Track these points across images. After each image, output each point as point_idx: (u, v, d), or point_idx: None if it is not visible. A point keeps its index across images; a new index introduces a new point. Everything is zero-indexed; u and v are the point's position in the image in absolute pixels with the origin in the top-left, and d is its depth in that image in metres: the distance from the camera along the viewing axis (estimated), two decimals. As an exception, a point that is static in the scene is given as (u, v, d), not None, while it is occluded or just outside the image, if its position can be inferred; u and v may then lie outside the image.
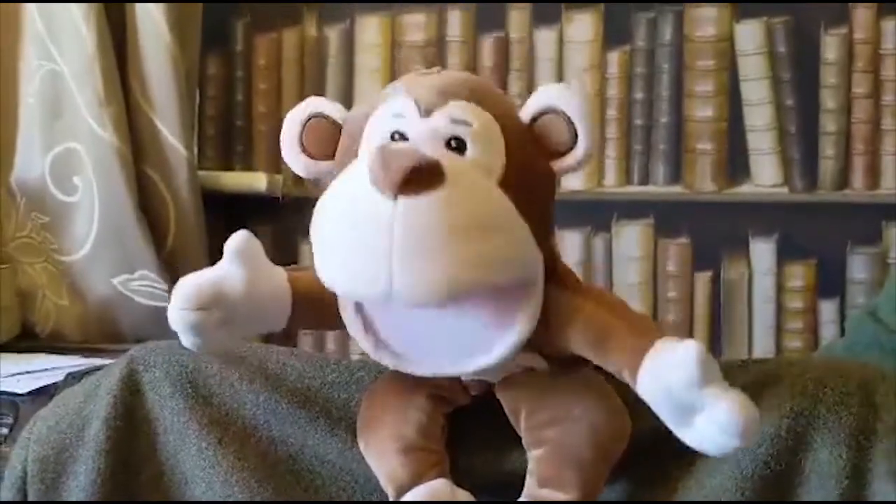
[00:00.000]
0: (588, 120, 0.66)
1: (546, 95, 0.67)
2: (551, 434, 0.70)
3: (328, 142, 0.70)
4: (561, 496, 0.69)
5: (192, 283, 0.68)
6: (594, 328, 0.67)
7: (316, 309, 0.70)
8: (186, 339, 0.68)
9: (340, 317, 0.71)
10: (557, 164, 0.67)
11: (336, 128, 0.70)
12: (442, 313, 0.67)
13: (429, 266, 0.61)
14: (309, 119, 0.71)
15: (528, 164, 0.66)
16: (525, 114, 0.67)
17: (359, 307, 0.70)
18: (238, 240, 0.68)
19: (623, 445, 0.72)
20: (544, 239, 0.67)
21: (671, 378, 0.62)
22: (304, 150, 0.71)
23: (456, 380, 0.73)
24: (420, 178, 0.61)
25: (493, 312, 0.66)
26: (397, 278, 0.61)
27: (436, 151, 0.64)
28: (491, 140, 0.66)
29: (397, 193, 0.61)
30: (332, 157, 0.71)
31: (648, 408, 0.72)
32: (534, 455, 0.71)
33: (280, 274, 0.70)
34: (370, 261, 0.62)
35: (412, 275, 0.61)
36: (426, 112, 0.66)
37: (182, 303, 0.67)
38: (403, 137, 0.66)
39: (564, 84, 0.68)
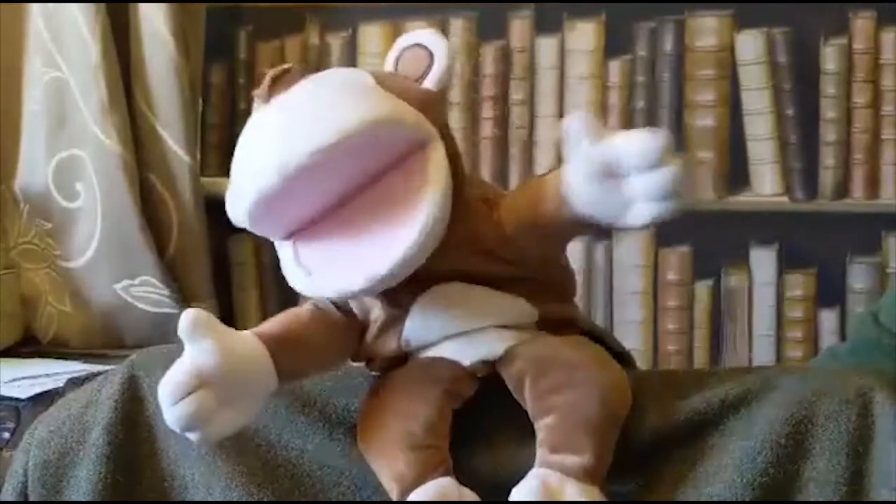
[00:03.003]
0: (437, 37, 0.73)
1: (399, 42, 0.74)
2: (558, 400, 0.70)
3: None
4: (576, 459, 0.69)
5: (169, 376, 0.67)
6: (527, 192, 0.72)
7: (294, 347, 0.71)
8: (193, 436, 0.68)
9: (327, 350, 0.73)
10: (429, 81, 0.72)
11: None
12: (350, 223, 0.68)
13: (311, 130, 0.65)
14: None
15: (401, 85, 0.71)
16: (388, 63, 0.74)
17: (291, 235, 0.70)
18: (188, 318, 0.68)
19: (627, 408, 0.72)
20: (450, 147, 0.70)
21: (578, 155, 0.64)
22: None
23: (459, 366, 0.73)
24: (283, 81, 0.69)
25: (402, 201, 0.68)
26: (285, 153, 0.65)
27: None
28: (363, 81, 0.71)
29: (269, 98, 0.69)
30: None
31: (647, 411, 0.73)
32: (542, 424, 0.71)
33: (244, 333, 0.71)
34: (260, 156, 0.67)
35: (296, 143, 0.65)
36: None
37: (170, 399, 0.67)
38: None
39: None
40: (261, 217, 0.68)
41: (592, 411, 0.70)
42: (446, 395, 0.73)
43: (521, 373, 0.72)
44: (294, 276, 0.70)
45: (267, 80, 0.70)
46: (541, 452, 0.70)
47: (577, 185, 0.65)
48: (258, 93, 0.70)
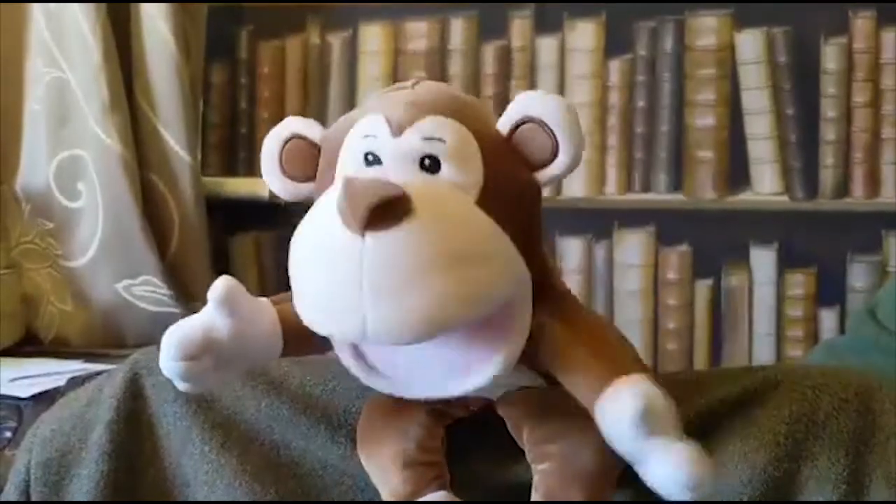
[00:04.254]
0: (569, 128, 0.63)
1: (524, 104, 0.65)
2: (555, 448, 0.70)
3: (308, 163, 0.69)
4: None
5: (181, 334, 0.67)
6: (567, 363, 0.66)
7: (308, 340, 0.69)
8: (180, 385, 0.68)
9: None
10: (540, 175, 0.65)
11: (315, 148, 0.69)
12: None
13: (403, 304, 0.59)
14: (288, 140, 0.70)
15: (509, 177, 0.64)
16: (503, 125, 0.65)
17: None
18: (220, 288, 0.66)
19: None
20: (532, 254, 0.66)
21: (613, 430, 0.62)
22: (284, 171, 0.70)
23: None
24: (386, 211, 0.59)
25: (479, 336, 0.65)
26: (370, 318, 0.60)
27: (408, 173, 0.63)
28: (467, 156, 0.64)
29: (364, 230, 0.59)
30: (313, 178, 0.69)
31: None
32: (539, 469, 0.70)
33: (269, 312, 0.69)
34: (342, 300, 0.60)
35: (385, 314, 0.59)
36: (398, 130, 0.64)
37: (172, 353, 0.67)
38: (377, 158, 0.64)
39: (544, 91, 0.65)
40: None
41: (587, 461, 0.69)
42: (438, 414, 0.73)
43: (520, 418, 0.71)
44: (365, 377, 0.68)
45: (367, 207, 0.58)
46: (535, 497, 0.70)
47: (609, 438, 0.63)
48: (352, 210, 0.59)
